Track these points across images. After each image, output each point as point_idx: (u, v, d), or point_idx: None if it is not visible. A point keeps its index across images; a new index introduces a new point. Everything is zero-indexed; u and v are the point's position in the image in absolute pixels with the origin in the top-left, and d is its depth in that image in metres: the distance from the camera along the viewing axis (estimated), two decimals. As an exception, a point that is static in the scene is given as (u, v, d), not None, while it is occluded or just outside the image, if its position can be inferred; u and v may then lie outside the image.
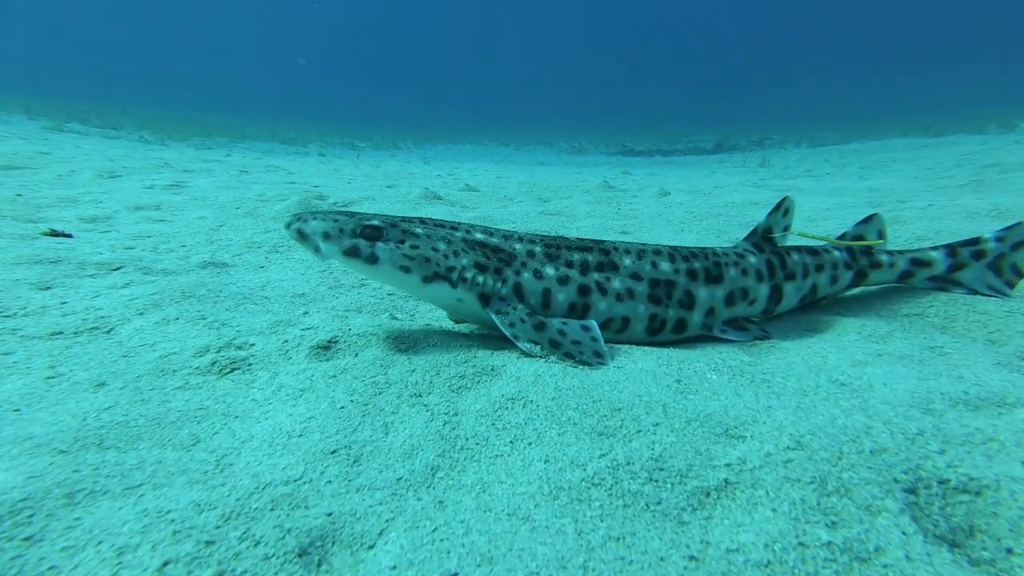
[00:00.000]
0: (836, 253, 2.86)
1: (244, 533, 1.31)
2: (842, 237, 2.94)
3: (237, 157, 12.36)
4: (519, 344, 2.18)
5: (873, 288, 3.12)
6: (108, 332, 2.43)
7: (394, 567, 1.22)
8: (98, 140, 13.28)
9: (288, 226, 2.26)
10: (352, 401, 1.91)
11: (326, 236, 2.21)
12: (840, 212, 5.71)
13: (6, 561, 1.20)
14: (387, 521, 1.40)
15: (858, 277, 2.90)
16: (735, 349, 2.38)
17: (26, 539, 1.26)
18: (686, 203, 6.60)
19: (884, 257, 2.93)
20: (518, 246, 2.42)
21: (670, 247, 2.59)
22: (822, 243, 2.90)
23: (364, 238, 2.24)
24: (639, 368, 2.08)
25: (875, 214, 2.99)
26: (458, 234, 2.39)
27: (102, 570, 1.19)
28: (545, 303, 2.34)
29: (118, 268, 3.27)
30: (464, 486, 1.53)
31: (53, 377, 2.03)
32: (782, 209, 2.72)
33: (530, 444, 1.66)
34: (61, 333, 2.37)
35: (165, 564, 1.20)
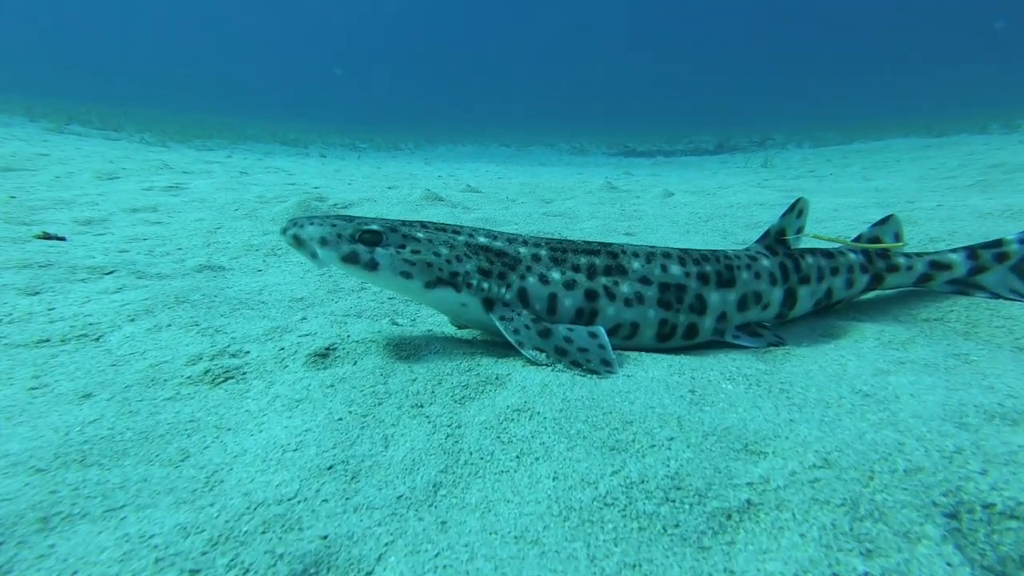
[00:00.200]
0: (852, 256, 2.77)
1: (232, 560, 1.22)
2: (857, 239, 2.85)
3: (238, 158, 12.29)
4: (524, 351, 2.09)
5: (889, 292, 3.02)
6: (97, 340, 2.34)
7: (393, 598, 1.13)
8: (99, 142, 13.22)
9: (284, 231, 2.18)
10: (350, 412, 1.82)
11: (323, 242, 2.12)
12: (848, 213, 5.61)
13: (-27, 593, 1.12)
14: (386, 545, 1.31)
15: (874, 280, 2.80)
16: (749, 356, 2.29)
17: (-5, 569, 1.17)
18: (690, 204, 6.51)
19: (901, 260, 2.84)
20: (523, 250, 2.33)
21: (680, 250, 2.50)
22: (837, 245, 2.80)
23: (363, 243, 2.15)
24: (650, 377, 1.99)
25: (891, 215, 2.89)
26: (460, 238, 2.30)
27: (77, 603, 1.10)
28: (551, 309, 2.25)
29: (111, 272, 3.19)
30: (468, 505, 1.44)
31: (37, 388, 1.94)
32: (796, 210, 2.63)
33: (537, 459, 1.57)
34: (47, 341, 2.29)
35: (146, 596, 1.11)
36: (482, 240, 2.33)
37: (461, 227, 2.39)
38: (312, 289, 3.22)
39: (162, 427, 1.75)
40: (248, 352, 2.26)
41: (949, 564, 1.13)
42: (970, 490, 1.32)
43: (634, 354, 2.24)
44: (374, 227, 2.18)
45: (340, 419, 1.78)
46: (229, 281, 3.30)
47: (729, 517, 1.29)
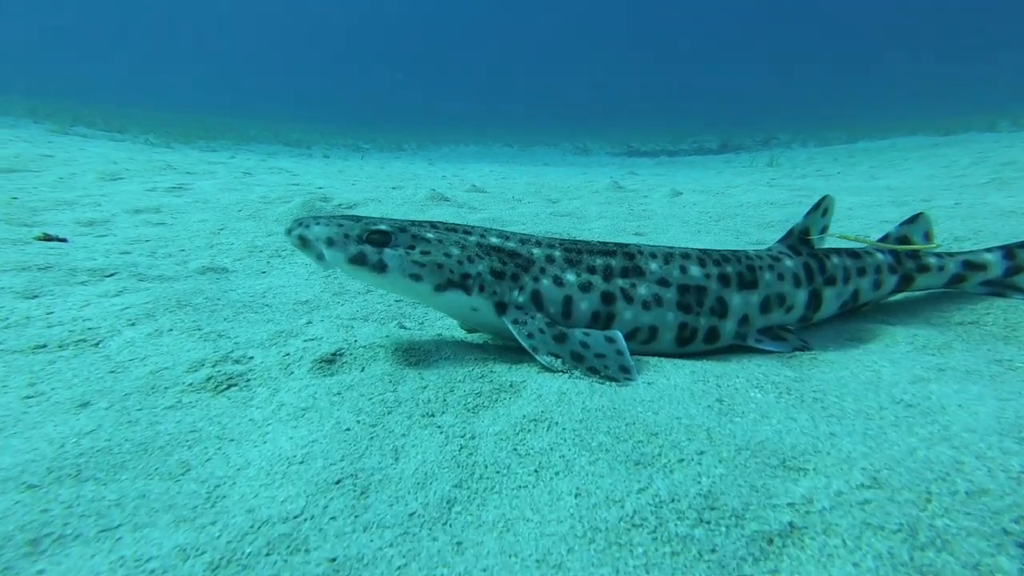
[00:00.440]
0: (879, 256, 2.66)
1: (235, 587, 1.13)
2: (884, 238, 2.74)
3: (241, 159, 12.25)
4: (538, 357, 2.00)
5: (918, 294, 2.90)
6: (96, 345, 2.26)
7: (409, 631, 1.04)
8: (103, 143, 13.20)
9: (289, 232, 2.09)
10: (359, 422, 1.73)
11: (330, 242, 2.03)
12: (863, 211, 5.50)
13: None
14: (399, 569, 1.21)
15: (903, 281, 2.69)
16: (774, 362, 2.18)
17: (-20, 597, 1.09)
18: (699, 203, 6.41)
19: (932, 260, 2.72)
20: (536, 251, 2.24)
21: (699, 250, 2.40)
22: (863, 245, 2.70)
23: (371, 244, 2.06)
24: (672, 384, 1.89)
25: (921, 213, 2.78)
26: (472, 238, 2.21)
27: (67, 636, 1.01)
28: (566, 312, 2.16)
29: (112, 275, 3.11)
30: (485, 523, 1.34)
31: (32, 396, 1.85)
32: (821, 208, 2.52)
33: (557, 474, 1.47)
34: (45, 346, 2.20)
35: (141, 629, 1.02)
36: (494, 240, 2.23)
37: (472, 227, 2.30)
38: (317, 291, 3.14)
39: (162, 438, 1.67)
40: (252, 358, 2.17)
41: (1026, 601, 1.03)
42: (1045, 516, 1.20)
43: (653, 360, 2.14)
44: (383, 227, 2.09)
45: (348, 429, 1.69)
46: (232, 283, 3.22)
47: (771, 542, 1.19)
